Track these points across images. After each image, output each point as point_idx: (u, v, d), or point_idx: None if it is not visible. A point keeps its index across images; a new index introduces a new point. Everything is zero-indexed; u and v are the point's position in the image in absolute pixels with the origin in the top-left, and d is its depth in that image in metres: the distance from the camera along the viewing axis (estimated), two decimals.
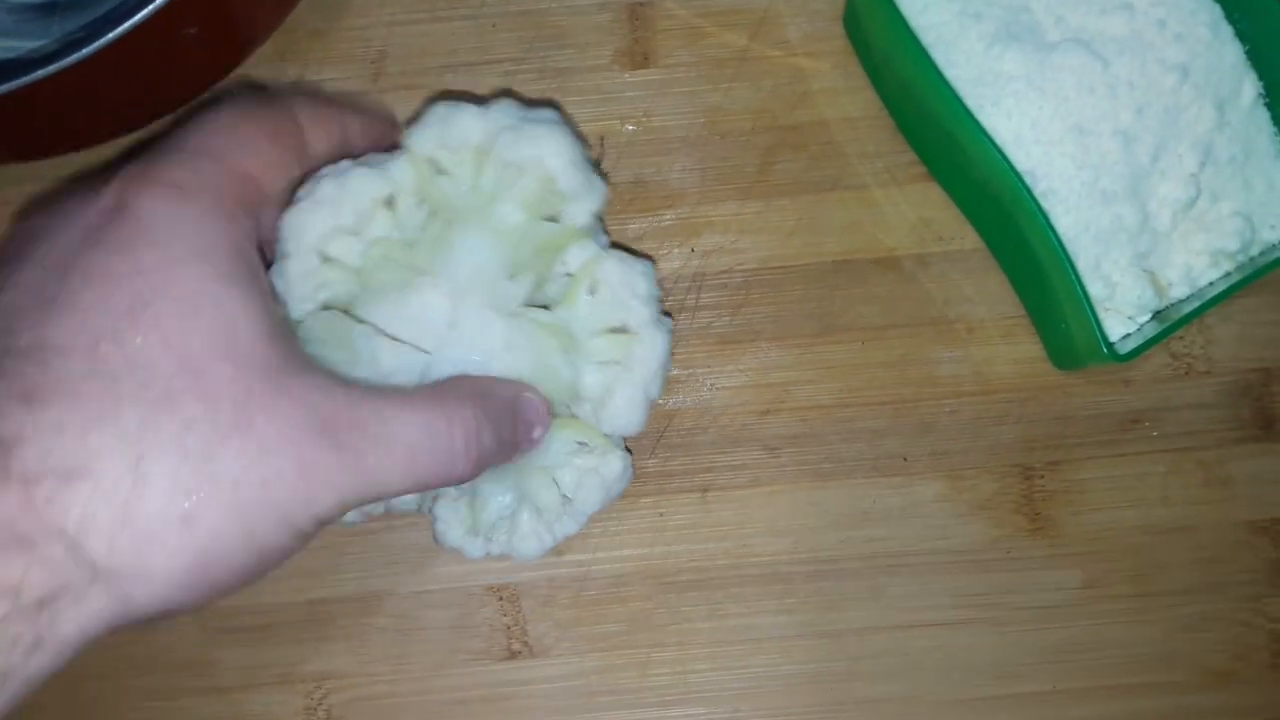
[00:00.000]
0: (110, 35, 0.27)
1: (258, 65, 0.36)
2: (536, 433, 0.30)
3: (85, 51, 0.27)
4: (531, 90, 0.37)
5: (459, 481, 0.27)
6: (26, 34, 0.33)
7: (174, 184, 0.24)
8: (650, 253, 0.36)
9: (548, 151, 0.30)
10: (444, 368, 0.30)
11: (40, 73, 0.27)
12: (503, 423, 0.28)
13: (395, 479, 0.25)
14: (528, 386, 0.30)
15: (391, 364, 0.30)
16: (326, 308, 0.31)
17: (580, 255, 0.32)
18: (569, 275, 0.32)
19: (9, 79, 0.27)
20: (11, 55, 0.29)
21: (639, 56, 0.37)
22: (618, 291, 0.31)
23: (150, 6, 0.27)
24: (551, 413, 0.31)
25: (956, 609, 0.35)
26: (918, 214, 0.36)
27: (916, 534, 0.35)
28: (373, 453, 0.24)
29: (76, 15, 0.32)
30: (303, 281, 0.31)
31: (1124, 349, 0.32)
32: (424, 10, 0.37)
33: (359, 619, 0.35)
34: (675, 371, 0.36)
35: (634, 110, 0.37)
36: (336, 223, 0.31)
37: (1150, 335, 0.32)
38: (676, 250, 0.36)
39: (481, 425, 0.27)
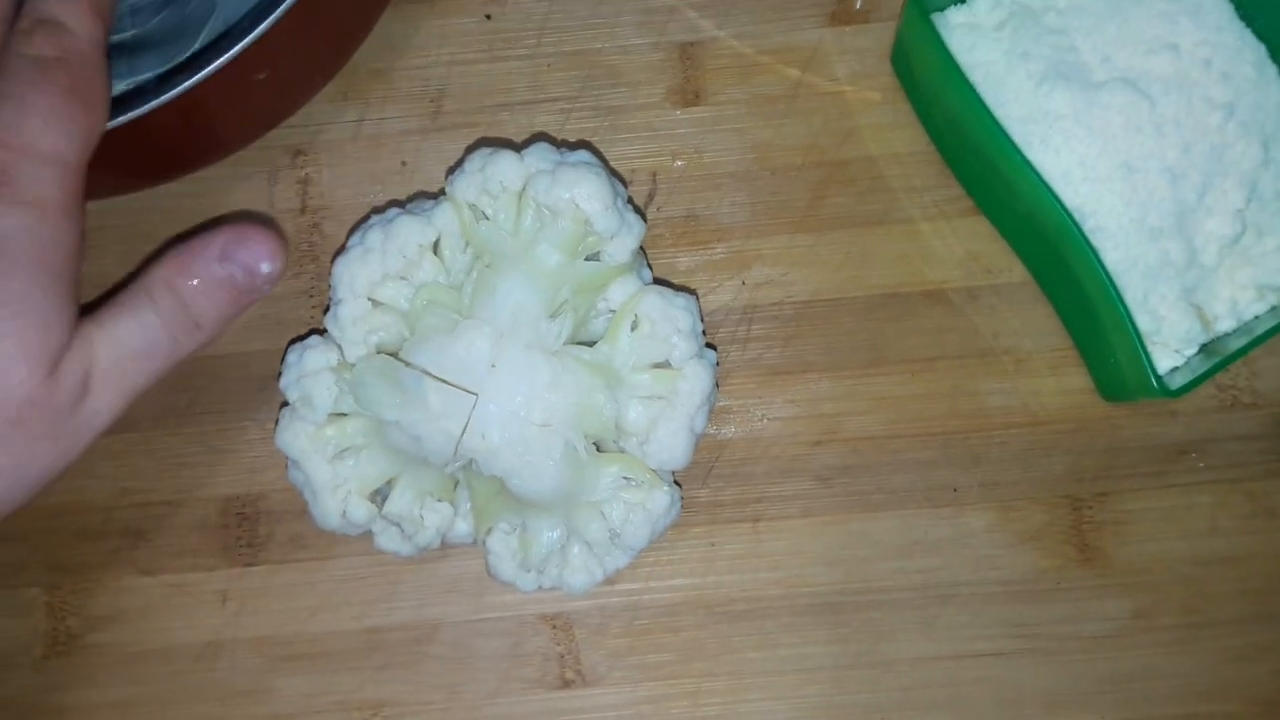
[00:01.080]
0: (189, 81, 0.28)
1: (321, 104, 0.37)
2: (265, 268, 0.30)
3: (165, 97, 0.28)
4: (584, 128, 0.38)
5: (199, 342, 0.30)
6: None
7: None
8: (701, 286, 0.37)
9: (581, 194, 0.31)
10: (490, 407, 0.31)
11: (122, 118, 0.27)
12: (211, 273, 0.30)
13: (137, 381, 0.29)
14: (241, 226, 0.31)
15: (440, 405, 0.31)
16: (378, 351, 0.32)
17: (621, 292, 0.33)
18: (612, 311, 0.33)
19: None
20: None
21: (690, 94, 0.38)
22: (659, 326, 0.32)
23: (228, 54, 0.28)
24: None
25: (1007, 639, 0.35)
26: (965, 248, 0.37)
27: (967, 564, 0.36)
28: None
29: (147, 56, 0.33)
30: (355, 326, 0.32)
31: (1172, 382, 0.32)
32: (481, 50, 0.38)
33: (414, 647, 0.36)
34: (727, 402, 0.36)
35: (685, 146, 0.37)
36: (385, 269, 0.32)
37: (1199, 370, 0.33)
38: (728, 283, 0.37)
39: (183, 288, 0.29)
